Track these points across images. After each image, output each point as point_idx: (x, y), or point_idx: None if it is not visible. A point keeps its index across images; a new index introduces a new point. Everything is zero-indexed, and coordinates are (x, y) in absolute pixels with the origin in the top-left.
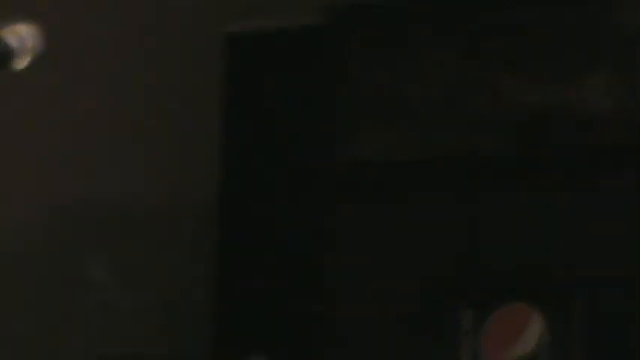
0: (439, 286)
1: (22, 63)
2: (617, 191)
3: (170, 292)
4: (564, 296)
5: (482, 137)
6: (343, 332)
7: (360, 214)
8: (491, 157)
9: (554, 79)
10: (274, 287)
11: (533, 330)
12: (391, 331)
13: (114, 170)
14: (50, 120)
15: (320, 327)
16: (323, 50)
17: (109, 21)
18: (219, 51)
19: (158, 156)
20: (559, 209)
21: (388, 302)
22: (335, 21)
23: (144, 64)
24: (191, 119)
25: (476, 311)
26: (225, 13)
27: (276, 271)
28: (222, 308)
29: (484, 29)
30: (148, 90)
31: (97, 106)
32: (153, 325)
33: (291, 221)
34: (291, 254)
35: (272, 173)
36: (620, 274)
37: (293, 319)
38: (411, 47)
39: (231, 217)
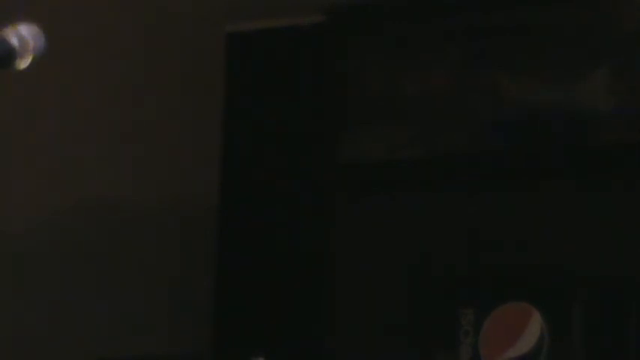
0: (439, 286)
1: (23, 63)
2: (617, 191)
3: (170, 292)
4: (564, 296)
5: (482, 137)
6: (343, 332)
7: (360, 214)
8: (491, 157)
9: (554, 79)
10: (274, 287)
11: (533, 330)
12: (391, 330)
13: (114, 170)
14: (50, 120)
15: (320, 327)
16: (323, 50)
17: (109, 21)
18: (219, 50)
19: (159, 156)
20: (559, 209)
21: (388, 302)
22: (335, 21)
23: (144, 64)
24: (191, 119)
25: (476, 311)
26: (225, 13)
27: (276, 270)
28: (222, 308)
29: (484, 29)
30: (148, 90)
31: (97, 106)
32: (153, 325)
33: (291, 220)
34: (291, 254)
35: (272, 173)
36: (620, 274)
37: (293, 319)
38: (411, 47)
39: (231, 217)
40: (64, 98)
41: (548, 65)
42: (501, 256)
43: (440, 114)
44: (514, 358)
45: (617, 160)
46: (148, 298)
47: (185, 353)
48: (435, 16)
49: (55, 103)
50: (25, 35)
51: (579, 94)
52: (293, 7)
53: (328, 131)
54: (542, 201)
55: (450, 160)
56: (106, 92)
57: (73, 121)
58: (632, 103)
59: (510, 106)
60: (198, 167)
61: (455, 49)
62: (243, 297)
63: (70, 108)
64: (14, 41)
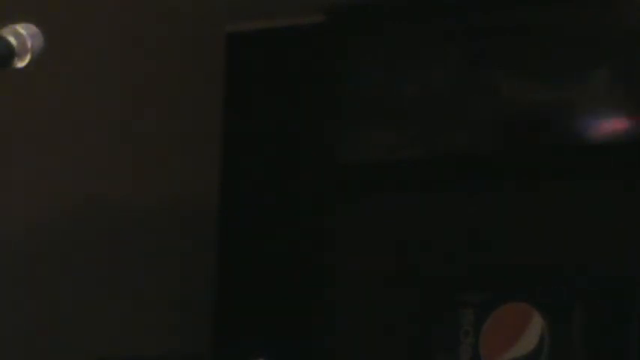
0: (439, 286)
1: (22, 62)
2: (617, 191)
3: (170, 292)
4: (564, 296)
5: (482, 137)
6: (343, 332)
7: (360, 214)
8: (491, 157)
9: (554, 79)
10: (274, 287)
11: (533, 330)
12: (391, 331)
13: (114, 170)
14: (50, 120)
15: (320, 327)
16: (323, 50)
17: (109, 21)
18: (219, 50)
19: (159, 156)
20: (559, 209)
21: (388, 302)
22: (335, 21)
23: (144, 64)
24: (191, 119)
25: (476, 311)
26: (225, 13)
27: (276, 270)
28: (222, 308)
29: (484, 29)
30: (148, 89)
31: (96, 106)
32: (153, 325)
33: (290, 221)
34: (291, 254)
35: (272, 173)
36: (620, 274)
37: (293, 319)
38: (411, 47)
39: (231, 217)
40: (64, 98)
41: (548, 65)
42: (501, 256)
43: (440, 114)
44: (514, 358)
45: (617, 160)
46: (148, 298)
47: (185, 353)
48: (435, 16)
49: (54, 103)
50: (23, 34)
51: (579, 94)
52: (293, 7)
53: (328, 131)
54: (542, 201)
55: (450, 160)
56: (106, 92)
57: (73, 120)
58: (632, 103)
59: (510, 106)
60: (198, 167)
61: (455, 49)
62: (243, 297)
63: (69, 108)
64: (13, 40)
